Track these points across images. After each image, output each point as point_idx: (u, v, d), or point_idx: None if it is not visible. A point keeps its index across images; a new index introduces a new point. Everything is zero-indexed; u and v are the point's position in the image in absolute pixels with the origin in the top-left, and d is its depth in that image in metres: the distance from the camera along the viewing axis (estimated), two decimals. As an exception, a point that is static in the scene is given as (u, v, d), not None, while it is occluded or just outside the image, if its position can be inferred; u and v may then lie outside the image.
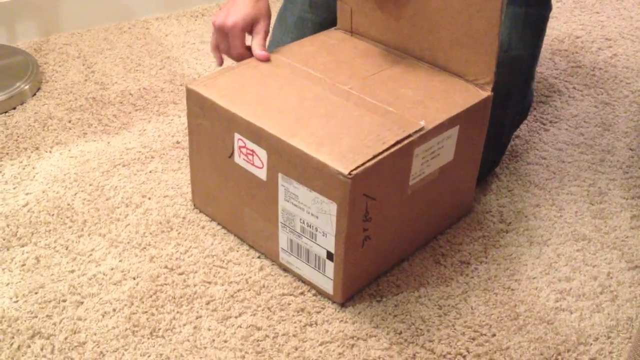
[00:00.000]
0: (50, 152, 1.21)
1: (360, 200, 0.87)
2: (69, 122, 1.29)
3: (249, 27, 1.04)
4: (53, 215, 1.08)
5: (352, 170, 0.84)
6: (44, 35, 1.57)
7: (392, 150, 0.88)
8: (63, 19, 1.58)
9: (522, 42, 1.12)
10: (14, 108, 1.32)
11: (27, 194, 1.11)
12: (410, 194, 0.95)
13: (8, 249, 1.01)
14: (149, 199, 1.12)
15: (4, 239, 1.03)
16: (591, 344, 0.92)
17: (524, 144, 1.28)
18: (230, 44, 1.05)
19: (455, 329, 0.93)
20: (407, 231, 0.99)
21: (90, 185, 1.14)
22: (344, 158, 0.86)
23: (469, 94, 0.98)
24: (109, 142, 1.25)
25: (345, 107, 0.94)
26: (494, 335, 0.92)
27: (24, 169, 1.17)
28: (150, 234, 1.05)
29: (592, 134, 1.32)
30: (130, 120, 1.31)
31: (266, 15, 1.05)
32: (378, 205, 0.90)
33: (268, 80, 0.99)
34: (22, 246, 1.02)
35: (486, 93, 0.99)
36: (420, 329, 0.92)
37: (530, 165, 1.23)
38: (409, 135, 0.90)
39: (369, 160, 0.86)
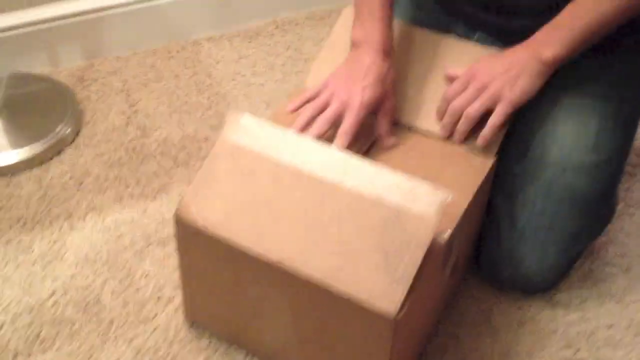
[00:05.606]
0: (83, 220, 1.14)
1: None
2: (106, 180, 1.21)
3: (376, 107, 0.92)
4: (79, 311, 1.01)
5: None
6: (88, 58, 1.47)
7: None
8: (108, 39, 1.48)
9: (613, 143, 0.96)
10: (51, 158, 1.25)
11: (54, 280, 1.05)
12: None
13: (29, 356, 0.96)
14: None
15: (25, 342, 0.97)
16: None
17: (602, 236, 1.13)
18: (345, 119, 0.89)
19: None
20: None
21: (122, 270, 1.07)
22: None
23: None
24: (145, 210, 1.16)
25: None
26: None
27: (54, 243, 1.10)
28: (180, 341, 0.98)
29: (684, 225, 1.15)
30: (170, 180, 1.22)
31: (393, 92, 0.94)
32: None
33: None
34: (44, 352, 0.96)
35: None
36: None
37: (607, 267, 1.09)
38: None
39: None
